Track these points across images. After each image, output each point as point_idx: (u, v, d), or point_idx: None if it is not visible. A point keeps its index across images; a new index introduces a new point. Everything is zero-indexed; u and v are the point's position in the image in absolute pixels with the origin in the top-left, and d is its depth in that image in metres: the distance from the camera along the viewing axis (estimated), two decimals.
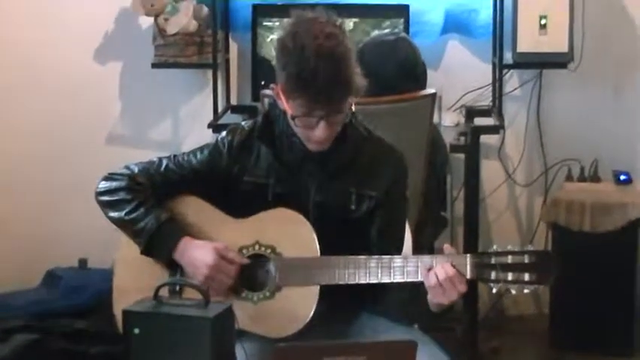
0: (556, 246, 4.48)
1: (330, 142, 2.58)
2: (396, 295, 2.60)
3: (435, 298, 2.47)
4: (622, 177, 4.55)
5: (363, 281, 2.52)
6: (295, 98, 2.50)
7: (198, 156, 2.70)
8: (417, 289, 2.52)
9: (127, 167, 2.72)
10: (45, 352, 2.21)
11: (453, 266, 2.44)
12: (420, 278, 2.48)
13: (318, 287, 2.54)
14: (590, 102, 4.82)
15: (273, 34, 4.40)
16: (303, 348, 2.27)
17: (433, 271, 2.45)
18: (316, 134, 2.54)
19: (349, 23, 4.38)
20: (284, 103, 2.55)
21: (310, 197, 2.64)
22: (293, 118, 2.52)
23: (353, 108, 2.55)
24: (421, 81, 3.86)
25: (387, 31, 4.15)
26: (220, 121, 4.43)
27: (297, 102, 2.50)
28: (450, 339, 4.25)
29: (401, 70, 3.68)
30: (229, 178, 2.68)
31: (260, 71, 4.55)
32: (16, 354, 2.19)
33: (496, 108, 4.52)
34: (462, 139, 4.29)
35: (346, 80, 2.49)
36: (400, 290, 2.58)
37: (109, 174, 2.72)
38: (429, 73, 4.35)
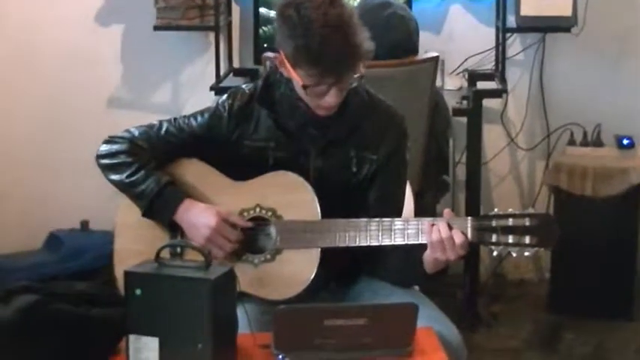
0: (557, 210, 4.48)
1: (337, 106, 2.58)
2: (393, 258, 2.61)
3: (434, 255, 2.47)
4: (625, 142, 4.54)
5: (363, 244, 2.52)
6: (305, 69, 2.48)
7: (199, 119, 2.70)
8: (412, 252, 2.53)
9: (128, 131, 2.72)
10: (46, 313, 2.21)
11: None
12: (420, 240, 2.48)
13: (319, 250, 2.54)
14: (594, 66, 4.81)
15: None
16: (303, 310, 2.28)
17: (437, 227, 2.45)
18: (327, 100, 2.53)
19: None
20: (290, 72, 2.53)
21: (311, 161, 2.64)
22: (304, 87, 2.51)
23: (363, 71, 2.54)
24: (416, 48, 3.85)
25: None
26: (222, 84, 4.43)
27: (307, 72, 2.48)
28: (450, 303, 4.30)
29: (394, 49, 3.66)
30: (229, 141, 2.67)
31: (262, 34, 4.53)
32: (18, 315, 2.19)
33: (499, 72, 4.51)
34: (465, 102, 4.29)
35: (356, 47, 2.47)
36: (396, 253, 2.59)
37: (110, 137, 2.72)
38: (432, 37, 4.36)
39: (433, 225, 2.46)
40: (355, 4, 3.97)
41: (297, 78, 2.51)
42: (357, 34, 2.47)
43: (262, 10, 4.54)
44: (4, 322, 2.17)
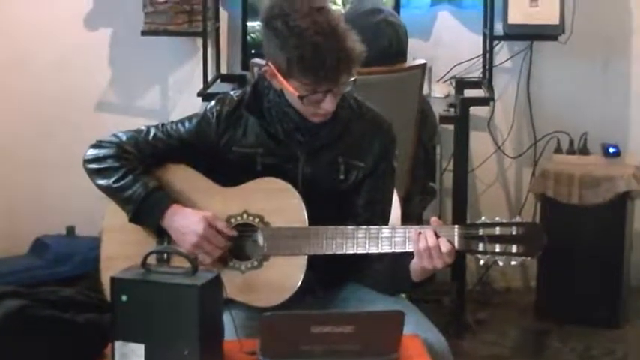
0: (544, 218, 4.49)
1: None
2: (379, 265, 2.61)
3: (421, 263, 2.47)
4: (611, 150, 4.55)
5: (350, 251, 2.52)
6: (300, 79, 2.48)
7: (187, 125, 2.69)
8: (399, 260, 2.53)
9: (115, 135, 2.71)
10: (32, 318, 2.20)
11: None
12: (407, 248, 2.48)
13: (306, 257, 2.54)
14: (580, 75, 4.82)
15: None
16: (290, 317, 2.28)
17: (423, 235, 2.45)
18: (324, 107, 2.53)
19: None
20: (283, 84, 2.52)
21: (299, 168, 2.64)
22: (300, 97, 2.51)
23: (356, 75, 2.54)
24: (406, 54, 3.85)
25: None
26: (210, 90, 4.42)
27: (302, 82, 2.48)
28: (437, 310, 4.31)
29: (384, 55, 3.66)
30: (217, 147, 2.67)
31: (250, 40, 4.53)
32: (3, 320, 2.18)
33: (486, 80, 4.52)
34: (452, 110, 4.29)
35: (350, 51, 2.47)
36: (382, 261, 2.59)
37: (98, 142, 2.71)
38: (420, 44, 4.35)
39: (420, 233, 2.46)
40: (342, 10, 3.98)
41: (290, 89, 2.51)
42: (348, 38, 2.48)
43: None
44: None
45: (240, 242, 2.61)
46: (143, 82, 4.85)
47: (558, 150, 4.63)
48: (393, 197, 2.77)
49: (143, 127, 2.72)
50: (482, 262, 2.47)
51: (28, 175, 4.86)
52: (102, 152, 2.67)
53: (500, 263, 2.44)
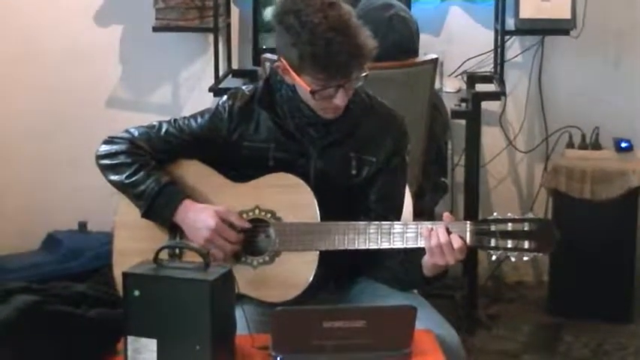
0: (556, 213, 4.49)
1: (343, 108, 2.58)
2: (391, 261, 2.61)
3: (433, 259, 2.47)
4: (623, 144, 4.55)
5: (362, 247, 2.52)
6: (312, 75, 2.48)
7: (199, 120, 2.69)
8: (411, 256, 2.53)
9: (128, 131, 2.71)
10: (45, 314, 2.21)
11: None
12: (419, 244, 2.48)
13: (318, 253, 2.54)
14: (592, 69, 4.81)
15: None
16: (301, 312, 2.28)
17: (435, 232, 2.45)
18: (335, 103, 2.53)
19: None
20: (295, 79, 2.53)
21: (311, 163, 2.64)
22: (312, 92, 2.51)
23: (367, 70, 2.54)
24: (417, 49, 3.85)
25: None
26: (221, 85, 4.43)
27: (314, 77, 2.49)
28: (449, 305, 4.31)
29: (396, 50, 3.66)
30: (229, 142, 2.67)
31: (261, 35, 4.54)
32: (16, 315, 2.19)
33: (498, 74, 4.51)
34: (463, 105, 4.29)
35: (361, 46, 2.48)
36: (394, 256, 2.59)
37: (110, 137, 2.71)
38: (431, 39, 4.34)
39: (432, 230, 2.46)
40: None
41: (303, 84, 2.51)
42: (360, 34, 2.48)
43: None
44: (3, 322, 2.17)
45: (252, 238, 2.61)
46: (154, 77, 4.86)
47: (570, 145, 4.62)
48: (405, 192, 2.77)
49: (155, 123, 2.73)
50: (494, 257, 2.46)
51: (40, 171, 4.87)
52: (114, 148, 2.68)
53: (513, 259, 2.43)
